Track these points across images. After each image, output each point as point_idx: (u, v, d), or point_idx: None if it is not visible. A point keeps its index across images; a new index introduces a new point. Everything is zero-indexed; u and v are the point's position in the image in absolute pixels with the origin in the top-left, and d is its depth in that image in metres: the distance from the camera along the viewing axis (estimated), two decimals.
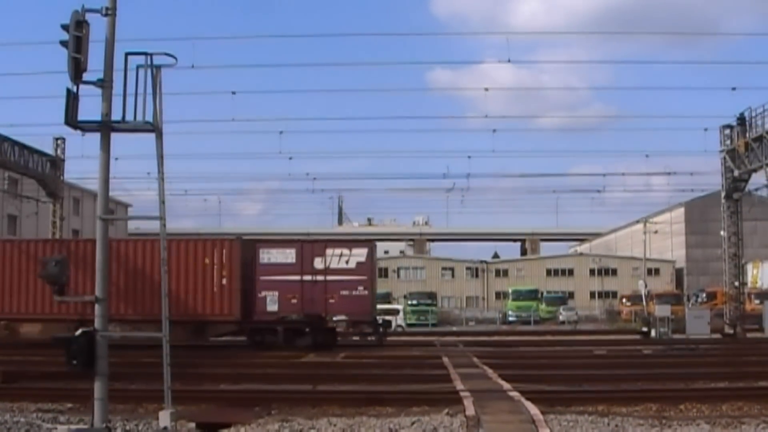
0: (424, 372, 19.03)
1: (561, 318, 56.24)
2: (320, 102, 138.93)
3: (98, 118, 10.00)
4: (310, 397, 14.65)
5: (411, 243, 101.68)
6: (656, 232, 67.95)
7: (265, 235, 55.18)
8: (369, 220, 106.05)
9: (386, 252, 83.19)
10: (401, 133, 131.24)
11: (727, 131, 34.35)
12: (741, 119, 33.20)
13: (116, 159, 28.00)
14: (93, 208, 45.02)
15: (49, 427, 11.41)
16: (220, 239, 28.27)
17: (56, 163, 37.08)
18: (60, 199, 38.61)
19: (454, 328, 49.77)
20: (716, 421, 11.74)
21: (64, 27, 9.58)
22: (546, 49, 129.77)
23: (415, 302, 58.86)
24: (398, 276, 74.87)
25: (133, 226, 72.83)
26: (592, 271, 76.69)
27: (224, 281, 26.55)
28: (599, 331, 42.32)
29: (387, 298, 55.56)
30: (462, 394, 14.06)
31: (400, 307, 53.36)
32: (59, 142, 37.38)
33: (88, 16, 9.68)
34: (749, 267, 50.58)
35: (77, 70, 9.60)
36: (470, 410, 12.16)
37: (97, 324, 9.84)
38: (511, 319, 58.90)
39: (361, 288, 27.30)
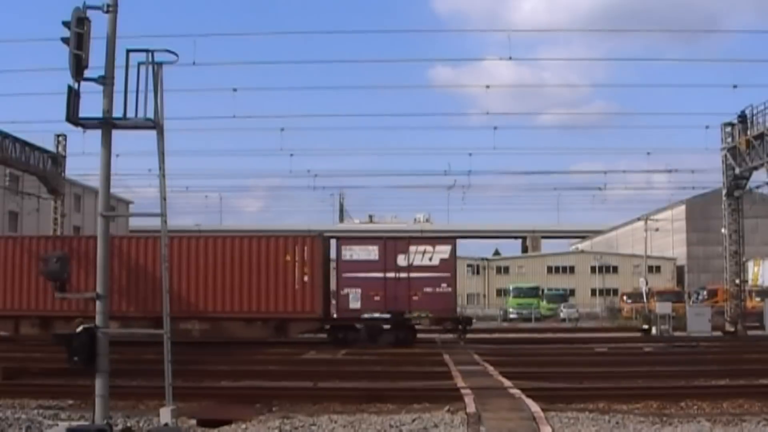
0: (425, 369, 19.02)
1: (562, 315, 56.23)
2: (321, 99, 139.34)
3: (99, 115, 9.99)
4: (311, 394, 14.67)
5: None
6: (657, 229, 68.02)
7: (266, 233, 55.08)
8: (370, 217, 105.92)
9: None
10: (402, 130, 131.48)
11: (729, 129, 34.27)
12: (742, 117, 33.13)
13: (117, 156, 28.15)
14: (94, 205, 45.07)
15: (50, 424, 11.42)
16: (301, 236, 28.24)
17: (57, 159, 37.08)
18: (61, 196, 38.62)
19: None
20: (717, 418, 11.74)
21: (66, 24, 9.57)
22: (547, 46, 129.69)
23: None
24: None
25: (135, 223, 72.90)
26: (593, 269, 76.79)
27: (306, 278, 26.54)
28: (600, 329, 42.31)
29: None
30: (463, 391, 14.07)
31: None
32: (60, 138, 37.36)
33: (90, 13, 9.67)
34: (750, 265, 50.42)
35: (78, 67, 9.59)
36: (471, 407, 12.17)
37: (98, 321, 9.84)
38: (512, 316, 58.88)
39: (444, 285, 27.24)
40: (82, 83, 9.77)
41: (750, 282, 48.72)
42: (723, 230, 35.88)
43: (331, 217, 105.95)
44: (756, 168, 33.05)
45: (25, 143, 33.75)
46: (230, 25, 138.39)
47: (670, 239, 76.31)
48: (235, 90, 36.01)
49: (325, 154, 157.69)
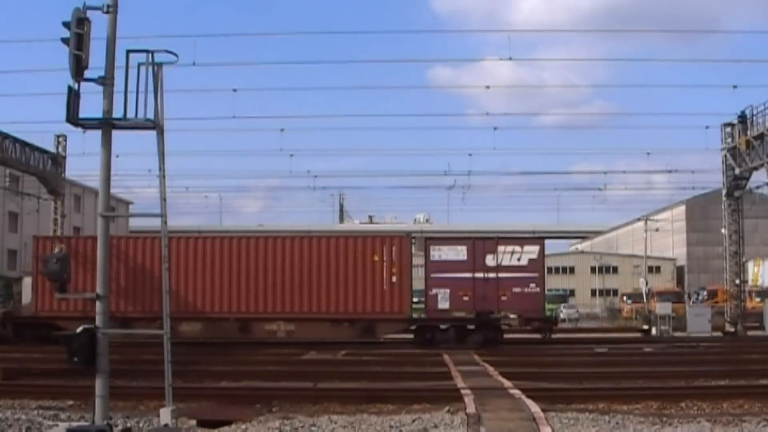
0: (425, 369, 19.02)
1: (562, 316, 56.20)
2: (321, 99, 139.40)
3: (99, 115, 10.00)
4: (311, 395, 14.65)
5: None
6: (657, 229, 68.00)
7: (266, 233, 55.02)
8: (370, 217, 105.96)
9: None
10: (402, 131, 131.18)
11: (729, 129, 34.31)
12: (742, 117, 33.17)
13: (117, 156, 28.14)
14: (94, 206, 45.03)
15: (50, 425, 11.41)
16: (389, 236, 28.24)
17: (57, 160, 37.11)
18: (61, 197, 38.64)
19: None
20: (717, 418, 11.73)
21: (66, 24, 9.58)
22: (547, 47, 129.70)
23: (416, 300, 58.73)
24: None
25: (135, 224, 72.87)
26: (593, 269, 76.74)
27: (394, 279, 26.57)
28: (600, 329, 42.32)
29: None
30: (463, 391, 14.05)
31: None
32: (60, 139, 37.39)
33: (90, 14, 9.68)
34: (750, 265, 50.48)
35: (78, 67, 9.60)
36: (471, 408, 12.15)
37: (98, 321, 9.83)
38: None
39: (533, 285, 27.17)
40: (82, 84, 9.78)
41: (750, 282, 48.78)
42: (723, 230, 35.91)
43: (331, 218, 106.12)
44: (756, 168, 33.08)
45: (25, 143, 33.77)
46: (230, 26, 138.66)
47: (670, 239, 76.30)
48: (235, 90, 36.09)
49: (324, 154, 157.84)
